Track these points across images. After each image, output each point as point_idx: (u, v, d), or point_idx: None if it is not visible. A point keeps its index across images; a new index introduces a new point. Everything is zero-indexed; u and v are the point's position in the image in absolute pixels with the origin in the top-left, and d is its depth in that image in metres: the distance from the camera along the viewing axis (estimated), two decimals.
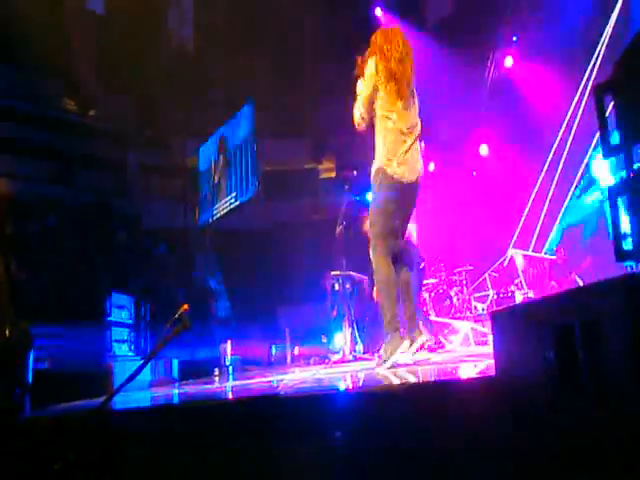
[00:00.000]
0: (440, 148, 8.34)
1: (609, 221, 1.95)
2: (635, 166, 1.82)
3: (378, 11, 8.83)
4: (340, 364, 4.60)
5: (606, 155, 1.89)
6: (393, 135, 3.09)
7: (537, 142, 7.62)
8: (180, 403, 2.93)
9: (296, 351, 6.50)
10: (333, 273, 5.26)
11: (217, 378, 5.35)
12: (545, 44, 7.20)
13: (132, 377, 3.11)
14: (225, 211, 10.36)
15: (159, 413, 2.44)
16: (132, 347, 6.51)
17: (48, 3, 7.73)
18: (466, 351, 4.65)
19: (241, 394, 2.98)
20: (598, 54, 7.04)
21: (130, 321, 6.70)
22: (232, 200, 10.11)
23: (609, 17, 6.92)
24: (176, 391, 3.87)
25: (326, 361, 4.79)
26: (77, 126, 10.00)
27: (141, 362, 2.53)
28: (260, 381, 3.70)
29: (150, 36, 9.06)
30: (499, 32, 7.55)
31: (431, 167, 8.51)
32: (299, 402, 2.22)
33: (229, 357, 6.13)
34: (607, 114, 1.97)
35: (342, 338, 5.11)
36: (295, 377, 3.70)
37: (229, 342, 6.27)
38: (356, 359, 4.75)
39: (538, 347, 1.49)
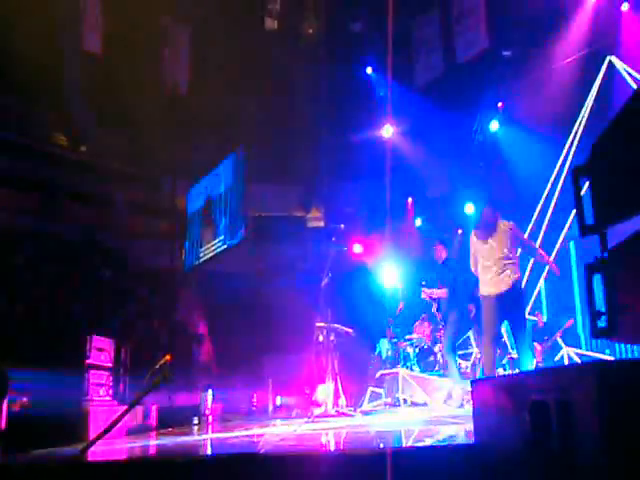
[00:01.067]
0: (428, 204, 8.58)
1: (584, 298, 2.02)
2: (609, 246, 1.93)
3: (369, 69, 9.31)
4: (322, 418, 4.53)
5: (581, 235, 2.00)
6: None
7: (522, 202, 7.90)
8: (157, 456, 2.86)
9: (278, 401, 6.37)
10: (318, 325, 5.26)
11: (196, 427, 5.21)
12: (529, 111, 7.61)
13: (109, 429, 3.04)
14: (211, 254, 10.37)
15: (135, 468, 2.39)
16: (110, 391, 6.32)
17: (46, 39, 7.99)
18: (449, 411, 4.63)
19: (219, 450, 2.93)
20: (580, 122, 7.47)
21: (109, 364, 6.54)
22: (219, 244, 10.15)
23: (591, 88, 7.42)
24: (154, 442, 3.77)
25: (308, 414, 4.71)
26: (66, 160, 10.10)
27: (118, 408, 2.50)
28: (240, 435, 3.63)
29: (144, 76, 9.34)
30: (485, 97, 7.97)
31: (418, 222, 8.72)
32: (279, 461, 2.20)
33: (209, 405, 5.98)
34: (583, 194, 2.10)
35: (325, 391, 5.05)
36: (275, 431, 3.65)
37: (210, 390, 6.13)
38: (338, 414, 4.68)
39: (516, 419, 1.54)
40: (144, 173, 11.37)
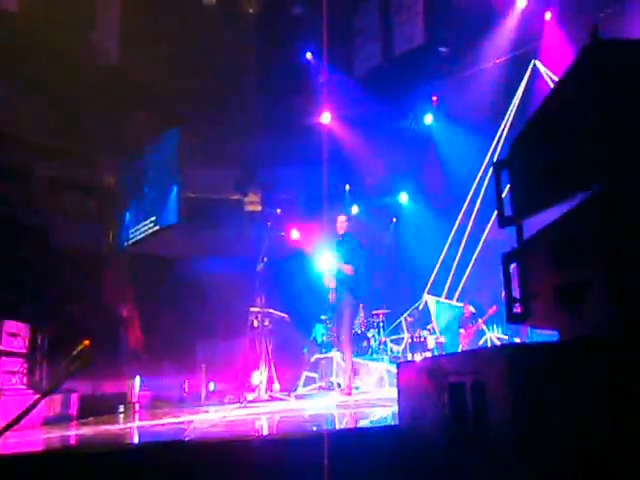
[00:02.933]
0: (364, 193, 8.72)
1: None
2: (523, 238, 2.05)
3: (308, 55, 9.23)
4: (255, 403, 4.53)
5: (501, 226, 2.12)
6: None
7: (453, 195, 8.26)
8: (75, 447, 2.73)
9: (211, 387, 6.27)
10: (252, 309, 5.22)
11: (121, 416, 5.02)
12: (461, 107, 7.92)
13: (19, 419, 2.85)
14: (143, 235, 9.96)
15: (51, 459, 2.26)
16: (24, 379, 5.92)
17: None
18: (380, 394, 4.79)
19: (143, 438, 2.84)
20: (507, 120, 7.90)
21: (22, 350, 6.12)
22: (151, 225, 9.76)
23: (517, 88, 7.86)
24: (72, 432, 3.59)
25: (240, 399, 4.69)
26: None
27: (34, 397, 2.36)
28: (167, 422, 3.54)
29: (72, 42, 8.68)
30: (420, 90, 8.19)
31: (355, 210, 8.84)
32: (206, 448, 2.17)
33: (137, 393, 5.78)
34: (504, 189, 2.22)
35: (259, 376, 5.04)
36: (206, 418, 3.59)
37: (137, 377, 5.92)
38: (271, 399, 4.69)
39: (436, 401, 1.61)
40: (71, 147, 10.63)
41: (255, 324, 5.20)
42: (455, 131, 7.89)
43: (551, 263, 1.81)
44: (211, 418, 3.62)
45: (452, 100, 8.08)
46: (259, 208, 9.68)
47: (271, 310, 5.21)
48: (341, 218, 5.31)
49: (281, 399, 4.71)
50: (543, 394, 1.20)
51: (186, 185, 8.87)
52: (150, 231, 9.60)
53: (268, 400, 4.67)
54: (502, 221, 2.10)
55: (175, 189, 8.89)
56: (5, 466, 2.10)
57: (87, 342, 2.84)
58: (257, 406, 4.35)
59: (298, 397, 5.01)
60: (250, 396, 4.75)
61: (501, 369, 1.16)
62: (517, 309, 2.11)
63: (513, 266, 2.13)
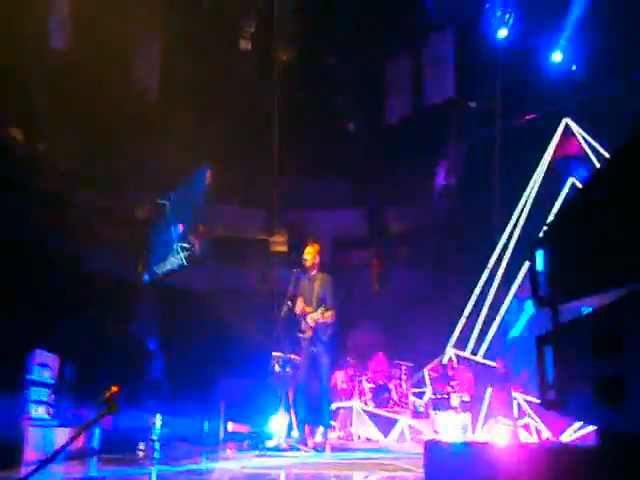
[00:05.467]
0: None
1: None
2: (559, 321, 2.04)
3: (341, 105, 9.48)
4: (274, 452, 4.50)
5: (536, 306, 2.12)
6: None
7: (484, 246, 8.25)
8: None
9: (230, 427, 6.24)
10: (274, 354, 5.24)
11: (141, 454, 5.04)
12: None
13: (52, 458, 2.93)
14: (170, 268, 10.18)
15: None
16: (51, 410, 6.02)
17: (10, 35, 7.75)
18: (400, 450, 4.70)
19: None
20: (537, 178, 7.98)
21: (52, 381, 6.25)
22: (180, 259, 9.98)
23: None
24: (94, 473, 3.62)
25: (259, 446, 4.67)
26: (22, 157, 9.67)
27: (59, 429, 2.43)
28: (188, 470, 3.56)
29: (112, 78, 9.18)
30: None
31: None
32: None
33: (157, 431, 5.80)
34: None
35: (278, 422, 5.02)
36: (225, 467, 3.60)
37: (158, 415, 5.94)
38: (289, 448, 4.65)
39: None
40: (106, 176, 11.05)
41: (277, 369, 5.21)
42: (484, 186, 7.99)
43: (589, 353, 1.76)
44: (231, 467, 3.62)
45: (480, 155, 8.22)
46: (285, 248, 9.81)
47: (293, 356, 5.22)
48: (312, 248, 4.91)
49: (299, 449, 4.66)
50: None
51: (214, 223, 9.09)
52: (178, 265, 9.82)
53: (286, 449, 4.63)
54: (537, 301, 2.08)
55: (202, 225, 9.12)
56: None
57: (115, 388, 2.93)
58: (276, 455, 4.32)
59: (316, 447, 4.92)
60: (269, 443, 4.72)
61: None
62: (551, 396, 2.05)
63: None
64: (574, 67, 7.71)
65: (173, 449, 5.59)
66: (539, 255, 2.16)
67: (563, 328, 2.02)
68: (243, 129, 9.46)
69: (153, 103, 9.97)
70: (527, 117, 7.66)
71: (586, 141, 7.56)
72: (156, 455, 4.95)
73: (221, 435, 6.27)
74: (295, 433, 4.97)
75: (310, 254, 5.04)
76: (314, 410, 4.75)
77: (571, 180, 7.81)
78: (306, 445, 4.65)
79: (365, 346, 7.73)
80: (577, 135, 7.53)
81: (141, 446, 5.42)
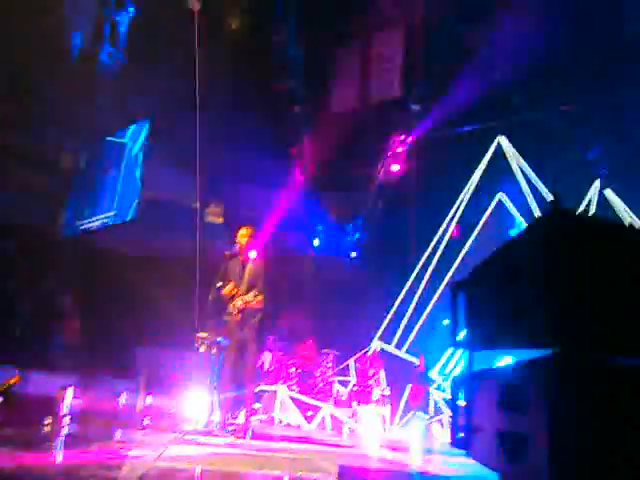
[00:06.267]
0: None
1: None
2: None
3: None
4: (194, 435, 4.40)
5: (453, 346, 2.17)
6: None
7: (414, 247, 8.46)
8: None
9: (148, 401, 6.00)
10: (200, 335, 5.07)
11: (46, 430, 4.70)
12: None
13: None
14: (94, 226, 9.54)
15: None
16: None
17: None
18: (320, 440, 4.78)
19: None
20: (468, 189, 8.28)
21: None
22: (105, 217, 9.36)
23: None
24: None
25: (178, 428, 4.54)
26: None
27: None
28: (99, 453, 3.36)
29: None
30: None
31: (316, 242, 8.86)
32: None
33: (67, 406, 5.45)
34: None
35: (200, 404, 4.90)
36: (142, 454, 3.45)
37: (70, 387, 5.58)
38: (209, 432, 4.57)
39: None
40: (26, 118, 9.97)
41: (202, 350, 5.05)
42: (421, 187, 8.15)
43: (497, 406, 1.86)
44: (145, 456, 3.47)
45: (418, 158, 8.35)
46: (220, 220, 9.47)
47: (220, 338, 5.07)
48: (246, 230, 4.83)
49: (219, 434, 4.58)
50: None
51: (148, 185, 8.56)
52: (104, 224, 9.21)
53: (206, 433, 4.55)
54: (455, 343, 2.14)
55: (139, 186, 8.57)
56: None
57: (17, 379, 2.76)
58: (194, 439, 4.22)
59: (237, 432, 4.85)
60: (188, 426, 4.61)
61: None
62: (461, 436, 2.13)
63: None
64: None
65: (84, 426, 5.30)
66: (460, 297, 2.23)
67: (475, 375, 2.10)
68: (185, 91, 8.84)
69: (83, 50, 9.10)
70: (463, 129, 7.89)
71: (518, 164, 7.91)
72: (64, 432, 4.64)
73: (139, 409, 6.02)
74: (216, 416, 4.88)
75: (244, 237, 4.91)
76: (237, 394, 4.69)
77: (499, 196, 8.19)
78: (226, 430, 4.59)
79: (295, 331, 7.73)
80: (507, 153, 7.87)
81: (46, 421, 5.08)
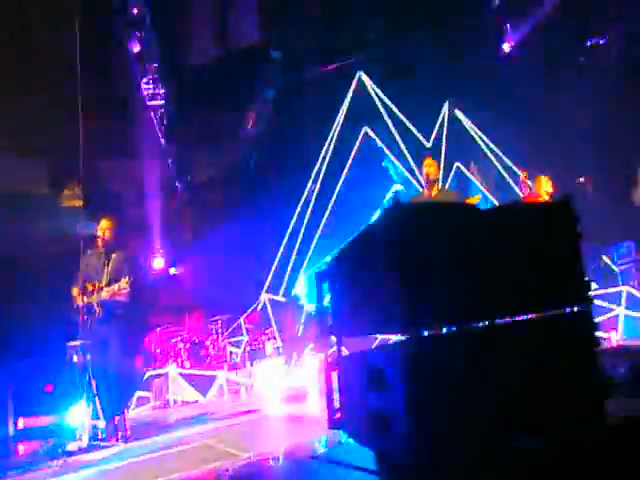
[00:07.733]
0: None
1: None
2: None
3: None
4: (79, 454, 4.09)
5: (322, 334, 2.28)
6: None
7: (290, 191, 8.43)
8: None
9: (21, 424, 5.42)
10: (72, 344, 4.61)
11: None
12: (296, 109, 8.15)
13: None
14: None
15: None
16: None
17: None
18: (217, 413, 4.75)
19: None
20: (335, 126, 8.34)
21: None
22: None
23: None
24: None
25: (59, 451, 4.18)
26: None
27: None
28: None
29: None
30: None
31: None
32: None
33: None
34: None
35: (80, 415, 4.54)
36: None
37: None
38: (94, 447, 4.25)
39: None
40: None
41: (75, 359, 4.63)
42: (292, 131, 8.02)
43: (364, 387, 1.94)
44: None
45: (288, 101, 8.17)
46: (80, 203, 8.51)
47: (86, 342, 4.61)
48: (106, 222, 4.46)
49: (108, 446, 4.31)
50: None
51: None
52: None
53: (91, 448, 4.24)
54: (322, 330, 2.24)
55: None
56: None
57: None
58: (77, 461, 3.92)
59: (120, 438, 4.51)
60: (71, 445, 4.28)
61: None
62: (337, 417, 2.25)
63: None
64: None
65: None
66: (324, 286, 2.32)
67: (345, 358, 2.20)
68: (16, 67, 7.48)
69: None
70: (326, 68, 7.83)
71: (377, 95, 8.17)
72: None
73: (10, 431, 5.41)
74: (101, 423, 4.58)
75: (103, 230, 4.47)
76: (115, 396, 4.46)
77: (364, 129, 8.45)
78: (114, 439, 4.35)
79: (181, 305, 7.45)
80: (369, 88, 8.10)
81: None
